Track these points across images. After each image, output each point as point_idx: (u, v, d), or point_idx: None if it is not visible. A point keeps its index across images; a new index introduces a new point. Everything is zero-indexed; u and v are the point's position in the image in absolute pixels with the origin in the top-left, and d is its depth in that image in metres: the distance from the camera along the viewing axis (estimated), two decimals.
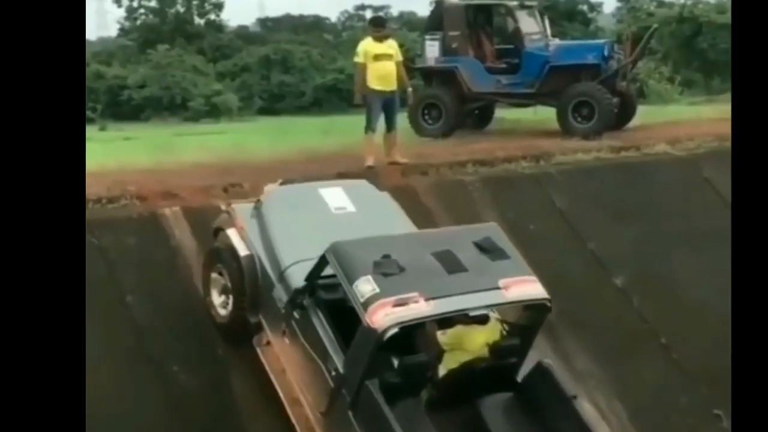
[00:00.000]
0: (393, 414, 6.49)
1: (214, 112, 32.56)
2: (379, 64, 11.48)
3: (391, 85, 11.49)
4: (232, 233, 8.12)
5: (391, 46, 11.56)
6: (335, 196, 8.36)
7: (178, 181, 10.55)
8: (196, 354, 8.47)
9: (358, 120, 18.08)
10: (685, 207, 11.76)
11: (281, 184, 8.79)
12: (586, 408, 7.29)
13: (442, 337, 7.22)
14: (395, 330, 6.46)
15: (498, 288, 6.85)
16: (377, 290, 6.60)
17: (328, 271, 7.03)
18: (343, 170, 11.34)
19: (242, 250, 7.92)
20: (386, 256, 6.77)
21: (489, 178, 11.62)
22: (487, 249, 7.08)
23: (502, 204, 11.13)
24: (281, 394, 7.47)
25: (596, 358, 9.67)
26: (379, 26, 11.92)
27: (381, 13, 52.20)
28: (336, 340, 7.01)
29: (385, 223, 7.89)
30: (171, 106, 33.49)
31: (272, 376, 7.59)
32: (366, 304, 6.58)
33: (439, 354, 7.16)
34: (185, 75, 35.13)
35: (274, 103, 39.05)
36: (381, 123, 11.74)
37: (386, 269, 6.71)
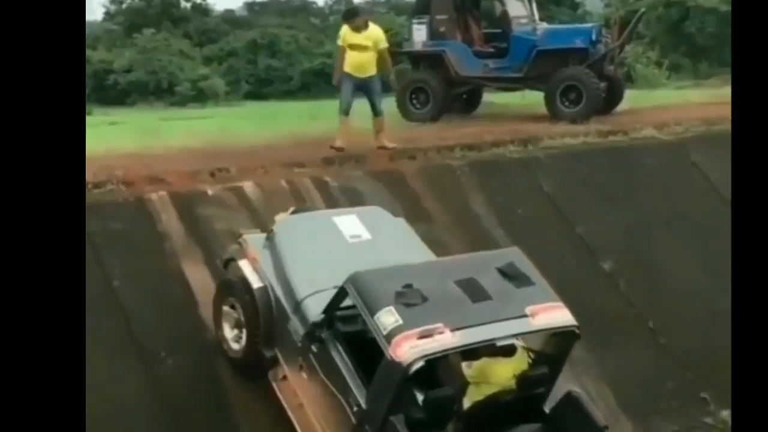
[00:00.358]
0: None
1: (200, 96, 32.41)
2: (354, 53, 11.48)
3: (365, 72, 11.45)
4: (244, 264, 7.90)
5: (368, 37, 11.43)
6: (350, 223, 8.15)
7: (164, 166, 10.49)
8: (182, 338, 8.45)
9: None
10: (673, 191, 11.78)
11: (293, 212, 8.61)
12: None
13: (468, 370, 7.01)
14: (421, 363, 6.24)
15: (525, 316, 6.63)
16: (400, 322, 6.37)
17: (346, 302, 6.83)
18: (330, 155, 11.33)
19: (255, 282, 7.69)
20: (408, 286, 6.55)
21: (477, 162, 11.60)
22: (511, 275, 6.88)
23: (489, 188, 11.13)
24: (299, 431, 7.27)
25: (584, 343, 9.61)
26: (350, 19, 11.80)
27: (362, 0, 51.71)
28: (357, 374, 6.79)
29: (402, 251, 7.67)
30: (157, 91, 33.35)
31: (289, 412, 7.37)
32: (389, 337, 6.35)
33: (463, 386, 6.95)
34: (171, 59, 34.96)
35: (261, 87, 38.89)
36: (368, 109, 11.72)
37: (409, 299, 6.49)
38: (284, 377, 7.51)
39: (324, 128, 13.22)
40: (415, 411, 6.55)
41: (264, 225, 9.70)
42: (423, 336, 6.30)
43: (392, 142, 11.73)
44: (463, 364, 6.99)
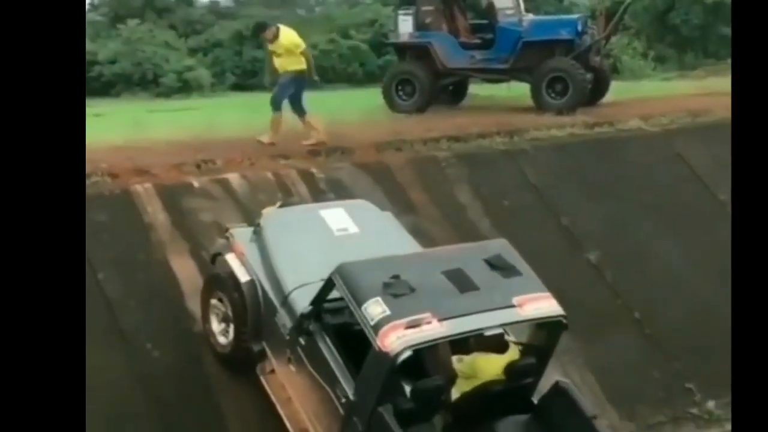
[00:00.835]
0: None
1: (186, 87, 32.25)
2: (275, 58, 11.77)
3: (280, 74, 11.67)
4: (231, 259, 7.91)
5: (280, 45, 11.62)
6: (337, 217, 8.16)
7: (150, 158, 10.46)
8: (168, 331, 8.43)
9: (331, 97, 18.04)
10: (659, 182, 11.81)
11: (280, 206, 8.59)
12: (604, 426, 7.12)
13: (458, 364, 7.02)
14: (408, 353, 6.25)
15: (512, 306, 6.65)
16: (388, 312, 6.38)
17: (334, 294, 6.85)
18: (317, 148, 11.31)
19: (243, 276, 7.71)
20: (395, 277, 6.57)
21: (463, 154, 11.61)
22: (499, 266, 6.90)
23: (476, 180, 11.14)
24: (288, 425, 7.25)
25: (570, 333, 9.61)
26: (258, 33, 12.20)
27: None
28: (345, 365, 6.79)
29: (389, 243, 7.67)
30: (142, 82, 33.19)
31: (278, 406, 7.38)
32: (377, 327, 6.36)
33: (452, 377, 6.95)
34: (156, 50, 34.76)
35: (247, 78, 38.72)
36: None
37: (396, 290, 6.50)
38: (272, 371, 7.51)
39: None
40: (404, 402, 6.55)
41: (250, 217, 9.67)
42: (410, 326, 6.31)
43: (312, 140, 11.60)
44: (454, 359, 6.99)
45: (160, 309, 8.59)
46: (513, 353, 7.05)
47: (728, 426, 9.41)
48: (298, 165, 10.72)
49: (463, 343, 7.00)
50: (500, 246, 7.19)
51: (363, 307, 6.49)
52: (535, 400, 7.09)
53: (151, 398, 7.98)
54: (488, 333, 6.64)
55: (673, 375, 9.87)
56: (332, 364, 6.83)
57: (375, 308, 6.43)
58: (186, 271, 8.89)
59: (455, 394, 6.97)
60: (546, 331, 7.02)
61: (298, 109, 11.72)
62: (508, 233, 10.54)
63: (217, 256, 8.21)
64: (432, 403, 6.71)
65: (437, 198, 10.81)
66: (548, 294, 6.86)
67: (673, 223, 11.32)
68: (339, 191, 10.43)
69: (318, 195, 10.25)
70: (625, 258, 10.81)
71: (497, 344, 7.00)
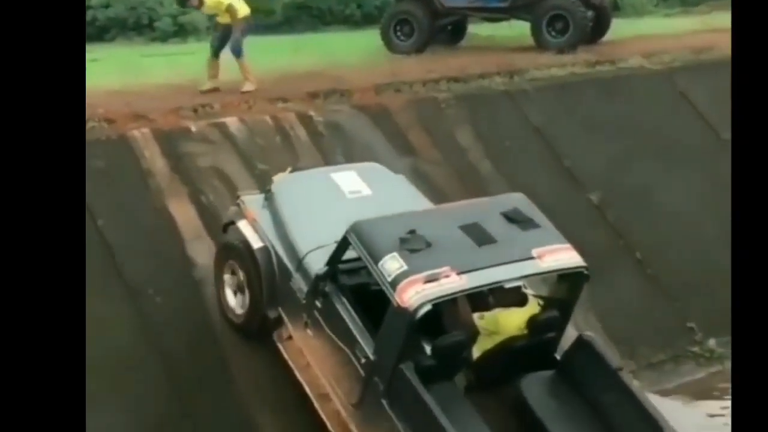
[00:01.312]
0: (431, 398, 6.20)
1: (181, 32, 31.86)
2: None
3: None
4: (243, 226, 7.76)
5: (208, 8, 11.83)
6: (349, 179, 8.02)
7: (147, 103, 10.35)
8: (170, 276, 8.40)
9: (329, 39, 17.83)
10: (660, 121, 11.71)
11: (291, 171, 8.43)
12: (630, 378, 6.96)
13: (480, 321, 6.89)
14: (428, 308, 6.17)
15: (532, 258, 6.56)
16: (405, 267, 6.29)
17: (349, 254, 6.75)
18: (314, 89, 11.18)
19: (256, 243, 7.55)
20: (411, 232, 6.48)
21: (463, 95, 11.49)
22: (516, 219, 6.80)
23: (476, 121, 11.04)
24: (308, 391, 7.16)
25: None
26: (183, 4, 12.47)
27: None
28: (364, 325, 6.69)
29: (403, 204, 7.49)
30: (137, 27, 32.81)
31: (297, 373, 7.27)
32: (394, 283, 6.27)
33: (473, 335, 6.83)
34: None
35: None
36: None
37: (413, 245, 6.41)
38: (289, 337, 7.42)
39: (307, 62, 13.06)
40: (425, 359, 6.47)
41: (249, 162, 9.66)
42: (429, 280, 6.23)
43: (209, 85, 11.47)
44: (475, 316, 6.87)
45: (161, 254, 8.55)
46: (533, 307, 6.95)
47: (729, 364, 9.45)
48: (296, 108, 10.60)
49: (483, 300, 6.93)
50: (517, 199, 7.10)
51: (380, 264, 6.40)
52: (558, 356, 7.01)
53: (153, 344, 7.96)
54: (508, 285, 6.54)
55: (675, 314, 9.88)
56: (350, 324, 6.74)
57: (392, 264, 6.34)
58: (185, 216, 8.84)
59: (477, 352, 6.87)
60: (567, 283, 6.92)
61: (235, 53, 11.58)
62: (510, 175, 10.56)
63: (228, 226, 8.06)
64: (454, 360, 6.63)
65: (437, 140, 10.72)
66: (568, 245, 6.77)
67: (675, 162, 11.25)
68: (338, 135, 10.36)
69: (317, 138, 10.17)
70: (626, 198, 10.76)
71: (517, 299, 6.90)
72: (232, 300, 7.93)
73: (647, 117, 11.66)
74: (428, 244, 6.42)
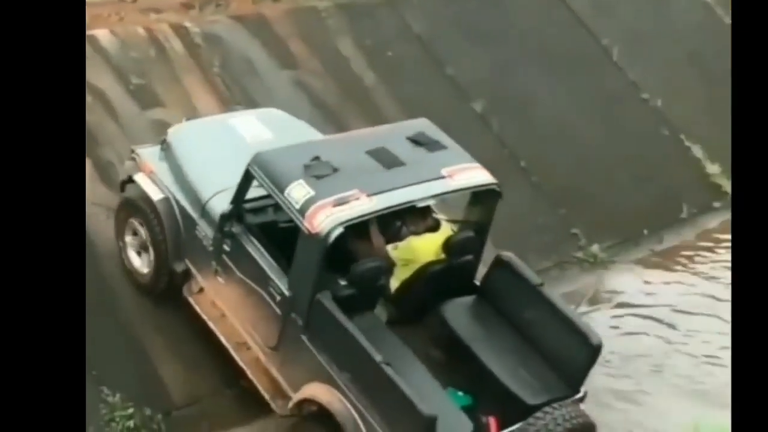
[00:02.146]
0: (352, 324, 6.07)
1: None
2: None
3: None
4: (141, 179, 7.40)
5: None
6: (248, 124, 7.76)
7: None
8: None
9: None
10: (542, 28, 11.66)
11: (186, 120, 8.12)
12: (554, 293, 6.93)
13: (394, 251, 6.75)
14: (339, 230, 6.03)
15: (442, 177, 6.50)
16: (312, 193, 6.16)
17: (255, 193, 6.59)
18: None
19: (155, 194, 7.25)
20: (316, 159, 6.33)
21: (344, 4, 11.17)
22: (423, 142, 6.73)
23: (358, 31, 10.80)
24: (224, 342, 6.95)
25: None
26: None
27: None
28: (276, 262, 6.51)
29: None
30: None
31: (211, 325, 7.05)
32: (303, 210, 6.14)
33: (389, 266, 6.67)
34: None
35: None
36: None
37: (319, 171, 6.27)
38: (200, 290, 7.19)
39: None
40: (341, 289, 6.33)
41: (124, 77, 9.27)
42: (338, 204, 6.12)
43: None
44: (389, 248, 6.74)
45: None
46: (447, 231, 6.87)
47: (612, 267, 9.64)
48: (170, 19, 10.15)
49: (395, 232, 6.81)
50: (422, 124, 7.02)
51: (286, 193, 6.25)
52: (477, 281, 6.98)
53: None
54: (420, 205, 6.47)
55: (559, 221, 9.98)
56: (261, 262, 6.56)
57: (299, 191, 6.20)
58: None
59: (394, 284, 6.77)
60: (480, 204, 6.88)
61: None
62: (393, 84, 10.41)
63: (126, 184, 7.65)
64: (371, 289, 6.50)
65: (318, 50, 10.45)
66: (477, 165, 6.74)
67: (557, 69, 11.25)
68: (215, 46, 10.00)
69: (193, 50, 9.79)
70: (510, 106, 10.74)
71: (430, 226, 6.81)
72: (137, 261, 7.61)
73: (528, 24, 11.59)
74: (335, 170, 6.31)
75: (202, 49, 9.90)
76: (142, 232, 7.42)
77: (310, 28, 10.62)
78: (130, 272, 7.68)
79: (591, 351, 6.39)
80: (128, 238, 7.60)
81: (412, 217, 6.75)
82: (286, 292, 6.39)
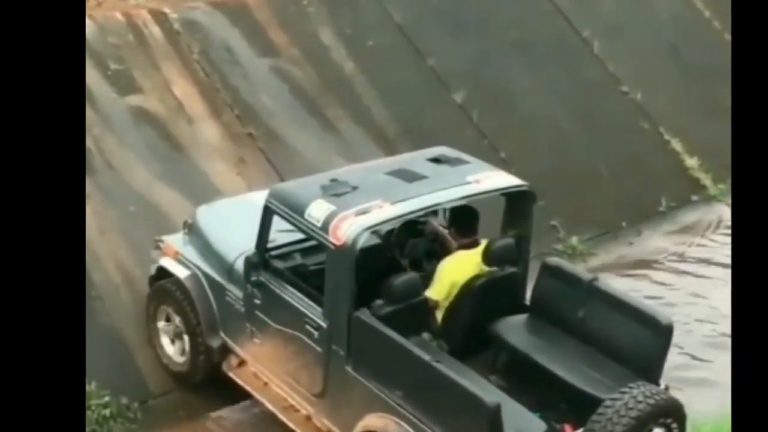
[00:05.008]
0: (395, 333, 5.77)
1: None
2: None
3: None
4: (167, 262, 7.31)
5: None
6: None
7: None
8: None
9: None
10: (523, 19, 11.62)
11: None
12: (608, 284, 6.68)
13: (431, 292, 6.41)
14: (366, 236, 5.86)
15: (468, 182, 6.37)
16: (333, 208, 6.00)
17: (280, 241, 6.54)
18: None
19: (182, 272, 7.15)
20: (333, 180, 6.23)
21: None
22: (444, 160, 6.62)
23: (338, 19, 10.73)
24: (273, 409, 6.76)
25: None
26: None
27: None
28: (307, 297, 6.29)
29: None
30: None
31: (257, 395, 6.87)
32: (326, 225, 5.96)
33: (433, 309, 6.44)
34: None
35: None
36: None
37: (338, 190, 6.14)
38: (240, 363, 7.01)
39: None
40: (379, 309, 6.06)
41: (102, 63, 9.21)
42: (361, 213, 5.98)
43: None
44: (426, 294, 6.40)
45: None
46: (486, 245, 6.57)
47: (592, 260, 9.64)
48: (149, 5, 10.05)
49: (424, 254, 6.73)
50: (442, 150, 6.90)
51: (306, 214, 6.10)
52: (528, 296, 6.72)
53: None
54: (449, 206, 6.36)
55: (539, 213, 9.88)
56: (294, 302, 6.37)
57: (319, 210, 6.07)
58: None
59: (439, 315, 6.48)
60: (515, 210, 6.68)
61: None
62: (373, 74, 10.36)
63: (154, 279, 7.50)
64: (412, 308, 6.18)
65: (299, 39, 10.38)
66: (503, 172, 6.66)
67: (537, 61, 11.23)
68: (195, 33, 9.92)
69: (173, 37, 9.68)
70: (490, 97, 10.72)
71: (466, 245, 6.55)
72: (170, 348, 7.44)
73: (509, 15, 11.55)
74: (354, 188, 6.18)
75: (181, 35, 9.82)
76: (176, 318, 7.27)
77: (290, 16, 10.54)
78: (166, 363, 7.48)
79: (663, 334, 6.00)
80: (161, 324, 7.44)
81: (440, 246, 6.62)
82: (323, 323, 6.17)
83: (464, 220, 6.65)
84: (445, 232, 6.82)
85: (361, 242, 5.92)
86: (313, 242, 6.47)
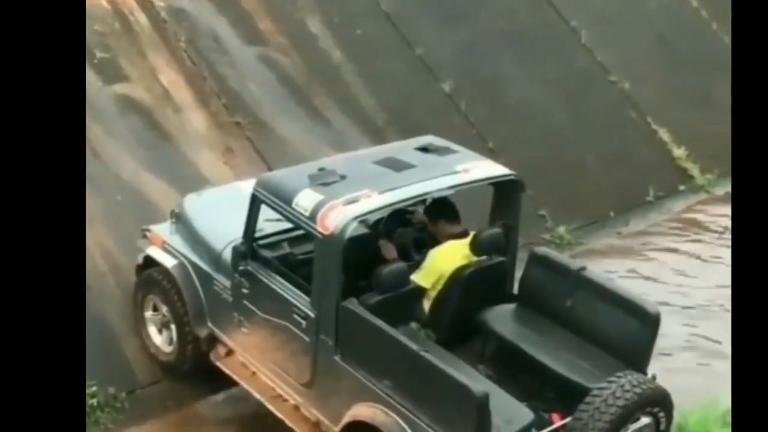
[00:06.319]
0: (383, 323, 5.76)
1: None
2: None
3: None
4: (153, 251, 7.26)
5: None
6: None
7: None
8: None
9: None
10: (511, 8, 11.61)
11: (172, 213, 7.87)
12: (596, 273, 6.66)
13: (418, 277, 6.43)
14: (353, 225, 5.85)
15: (457, 171, 6.37)
16: (321, 197, 5.98)
17: (268, 230, 6.52)
18: None
19: (169, 261, 7.11)
20: (321, 169, 6.20)
21: None
22: (432, 150, 6.62)
23: (326, 7, 10.69)
24: (261, 398, 6.72)
25: None
26: None
27: None
28: (295, 287, 6.27)
29: None
30: None
31: (245, 384, 6.83)
32: (313, 215, 5.94)
33: (419, 294, 6.43)
34: None
35: None
36: None
37: (326, 179, 6.11)
38: (228, 353, 6.98)
39: None
40: (367, 298, 6.06)
41: (88, 50, 9.13)
42: (349, 203, 5.97)
43: None
44: (412, 277, 6.43)
45: None
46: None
47: (579, 249, 9.65)
48: None
49: (414, 244, 6.70)
50: (430, 139, 6.90)
51: (294, 204, 6.08)
52: (516, 285, 6.75)
53: None
54: (437, 195, 6.34)
55: (527, 202, 9.89)
56: (281, 291, 6.34)
57: (306, 199, 6.05)
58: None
59: (428, 305, 6.51)
60: (503, 200, 6.71)
61: None
62: (361, 63, 10.33)
63: (141, 268, 7.47)
64: (400, 298, 6.18)
65: (286, 27, 10.34)
66: (491, 161, 6.65)
67: (525, 50, 11.21)
68: (181, 21, 9.87)
69: (158, 24, 9.63)
70: (478, 87, 10.70)
71: (454, 235, 6.59)
72: (158, 338, 7.40)
73: (498, 4, 11.53)
74: (342, 177, 6.17)
75: (167, 23, 9.76)
76: (162, 308, 7.24)
77: (278, 4, 10.50)
78: (151, 351, 7.45)
79: (650, 323, 6.06)
80: (148, 314, 7.40)
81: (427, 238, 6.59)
82: (311, 313, 6.17)
83: (449, 209, 6.72)
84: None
85: (349, 231, 5.92)
86: (301, 231, 6.45)
